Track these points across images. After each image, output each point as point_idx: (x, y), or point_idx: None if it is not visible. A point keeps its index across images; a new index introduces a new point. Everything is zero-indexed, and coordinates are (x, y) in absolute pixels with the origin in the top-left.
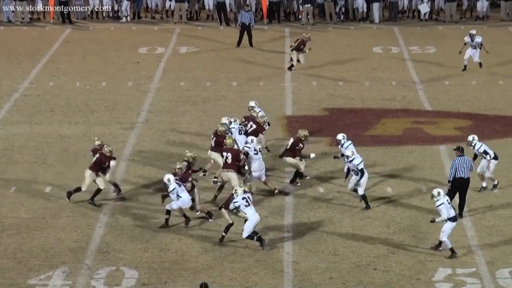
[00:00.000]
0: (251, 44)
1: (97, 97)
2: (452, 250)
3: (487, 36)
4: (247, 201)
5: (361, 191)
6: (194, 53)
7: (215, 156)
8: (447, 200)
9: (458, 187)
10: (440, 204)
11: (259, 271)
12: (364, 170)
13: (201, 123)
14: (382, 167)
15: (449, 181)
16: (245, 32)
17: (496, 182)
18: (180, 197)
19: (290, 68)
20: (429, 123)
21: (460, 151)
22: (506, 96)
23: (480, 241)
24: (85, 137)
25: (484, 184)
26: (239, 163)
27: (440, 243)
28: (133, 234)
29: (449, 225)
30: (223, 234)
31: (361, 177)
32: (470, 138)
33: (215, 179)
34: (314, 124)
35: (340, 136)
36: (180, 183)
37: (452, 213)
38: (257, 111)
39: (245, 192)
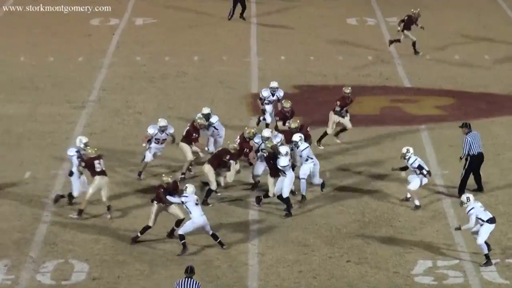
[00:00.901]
0: (242, 16)
1: (43, 74)
2: (487, 257)
3: (472, 8)
4: (197, 200)
5: (281, 193)
6: (151, 25)
7: (183, 146)
8: (480, 205)
9: (477, 163)
10: (471, 209)
11: (221, 264)
12: (288, 171)
13: (159, 102)
14: (357, 149)
15: (461, 158)
16: (238, 3)
17: (417, 203)
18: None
19: (416, 52)
20: (408, 102)
21: (467, 127)
22: (491, 72)
23: (464, 231)
24: (30, 117)
25: (417, 203)
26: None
27: (488, 256)
28: (83, 223)
29: (486, 228)
30: (139, 234)
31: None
32: (404, 150)
33: (183, 175)
34: None
35: (297, 137)
36: (76, 159)
37: (488, 215)
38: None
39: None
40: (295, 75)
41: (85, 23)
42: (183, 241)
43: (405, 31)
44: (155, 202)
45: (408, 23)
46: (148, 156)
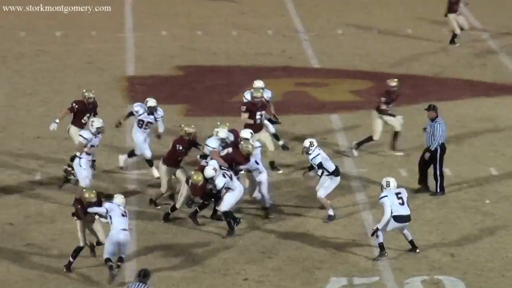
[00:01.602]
0: None
1: None
2: (381, 246)
3: None
4: (125, 212)
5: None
6: None
7: (73, 132)
8: (400, 194)
9: (443, 154)
10: (383, 197)
11: (79, 285)
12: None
13: (14, 87)
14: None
15: (431, 151)
16: None
17: (331, 212)
18: None
19: (452, 41)
20: (317, 85)
21: (435, 111)
22: (415, 49)
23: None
24: None
25: (331, 212)
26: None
27: (413, 244)
28: None
29: (391, 223)
30: (71, 260)
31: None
32: (306, 143)
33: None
34: (165, 88)
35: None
36: None
37: (398, 212)
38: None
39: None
40: (178, 54)
41: None
42: (110, 264)
43: (449, 15)
44: (76, 218)
45: (453, 3)
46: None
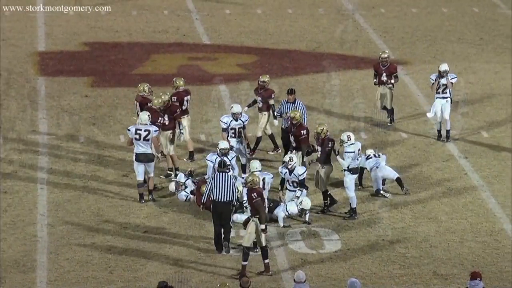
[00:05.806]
0: None
1: None
2: (354, 210)
3: None
4: None
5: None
6: None
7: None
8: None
9: None
10: (351, 152)
11: (7, 237)
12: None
13: None
14: None
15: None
16: None
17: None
18: None
19: (391, 121)
20: (207, 59)
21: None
22: (295, 27)
23: None
24: None
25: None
26: None
27: (354, 209)
28: None
29: (350, 178)
30: None
31: None
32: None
33: None
34: (73, 62)
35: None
36: None
37: (355, 163)
38: None
39: None
40: (85, 31)
41: None
42: None
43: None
44: None
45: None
46: None
